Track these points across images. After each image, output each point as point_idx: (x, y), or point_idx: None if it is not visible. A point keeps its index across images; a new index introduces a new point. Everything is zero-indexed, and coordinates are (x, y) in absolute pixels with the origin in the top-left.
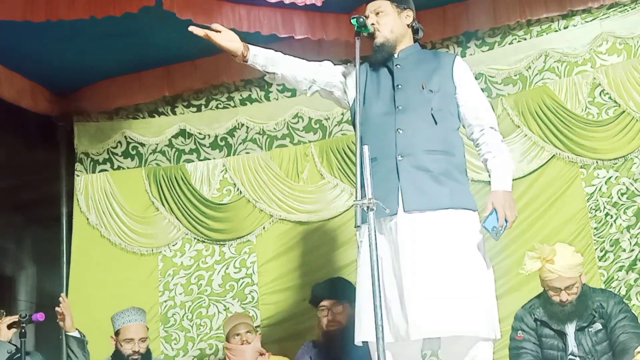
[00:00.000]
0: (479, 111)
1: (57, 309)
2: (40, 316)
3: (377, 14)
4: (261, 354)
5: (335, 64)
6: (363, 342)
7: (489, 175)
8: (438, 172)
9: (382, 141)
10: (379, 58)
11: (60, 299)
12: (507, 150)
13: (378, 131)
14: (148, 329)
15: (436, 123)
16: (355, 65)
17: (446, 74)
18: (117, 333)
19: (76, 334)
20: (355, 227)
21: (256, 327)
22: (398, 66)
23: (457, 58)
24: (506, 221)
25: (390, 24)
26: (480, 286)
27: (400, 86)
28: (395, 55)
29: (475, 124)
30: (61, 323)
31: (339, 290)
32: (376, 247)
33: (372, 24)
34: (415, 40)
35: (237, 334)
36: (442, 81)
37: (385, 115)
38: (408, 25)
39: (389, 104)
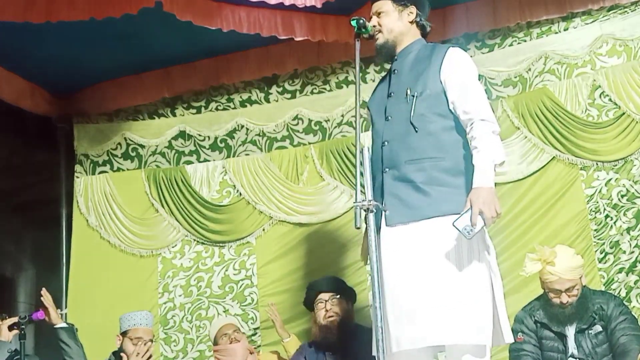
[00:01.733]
0: (465, 105)
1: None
2: (40, 314)
3: (379, 14)
4: (251, 352)
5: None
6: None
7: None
8: (421, 181)
9: (374, 155)
10: (379, 60)
11: (42, 293)
12: (496, 141)
13: (374, 145)
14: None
15: (416, 130)
16: (355, 68)
17: (434, 74)
18: (125, 332)
19: (63, 324)
20: (355, 227)
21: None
22: (395, 71)
23: (449, 51)
24: (484, 219)
25: (390, 25)
26: (465, 293)
27: (392, 94)
28: (396, 57)
29: (465, 119)
30: (47, 318)
31: (335, 285)
32: (376, 249)
33: (374, 25)
34: (423, 35)
35: (225, 334)
36: (429, 82)
37: (378, 127)
38: (411, 22)
39: (383, 114)
